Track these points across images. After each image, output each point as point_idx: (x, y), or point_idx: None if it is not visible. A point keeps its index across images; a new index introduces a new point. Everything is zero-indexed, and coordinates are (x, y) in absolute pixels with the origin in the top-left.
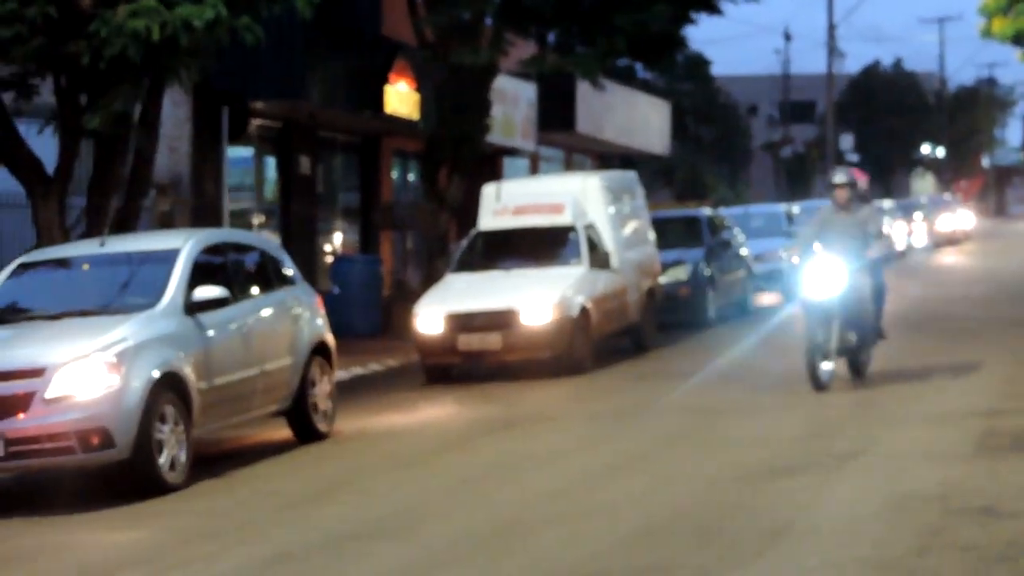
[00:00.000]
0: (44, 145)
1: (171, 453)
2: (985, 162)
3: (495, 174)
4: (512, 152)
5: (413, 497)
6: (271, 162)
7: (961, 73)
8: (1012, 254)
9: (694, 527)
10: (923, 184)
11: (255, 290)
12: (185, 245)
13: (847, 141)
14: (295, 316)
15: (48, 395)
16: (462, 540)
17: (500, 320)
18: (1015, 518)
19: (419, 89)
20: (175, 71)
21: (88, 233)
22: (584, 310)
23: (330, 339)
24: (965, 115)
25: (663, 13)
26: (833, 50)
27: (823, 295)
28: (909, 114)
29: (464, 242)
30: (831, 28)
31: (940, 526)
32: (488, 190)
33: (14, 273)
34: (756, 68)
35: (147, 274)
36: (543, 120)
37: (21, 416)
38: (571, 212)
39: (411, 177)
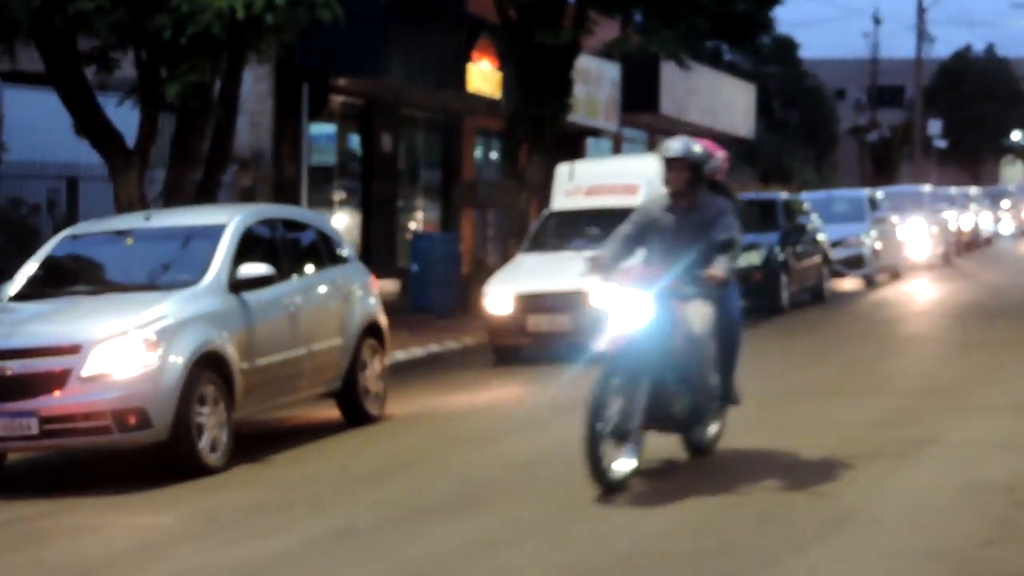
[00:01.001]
0: (125, 119)
1: (211, 435)
2: None
3: (577, 154)
4: (595, 132)
5: (481, 476)
6: (354, 139)
7: None
8: None
9: (758, 512)
10: (1013, 172)
11: (305, 268)
12: (231, 221)
13: (935, 127)
14: (346, 295)
15: (84, 373)
16: (528, 519)
17: (570, 301)
18: None
19: (501, 68)
20: (256, 47)
21: (167, 206)
22: None
23: (383, 320)
24: None
25: None
26: (923, 34)
27: (624, 339)
28: (1000, 101)
29: (536, 222)
30: (921, 12)
31: (1005, 517)
32: (561, 170)
33: (59, 245)
34: (844, 52)
35: (192, 250)
36: (627, 101)
37: (57, 394)
38: (645, 193)
39: (493, 156)
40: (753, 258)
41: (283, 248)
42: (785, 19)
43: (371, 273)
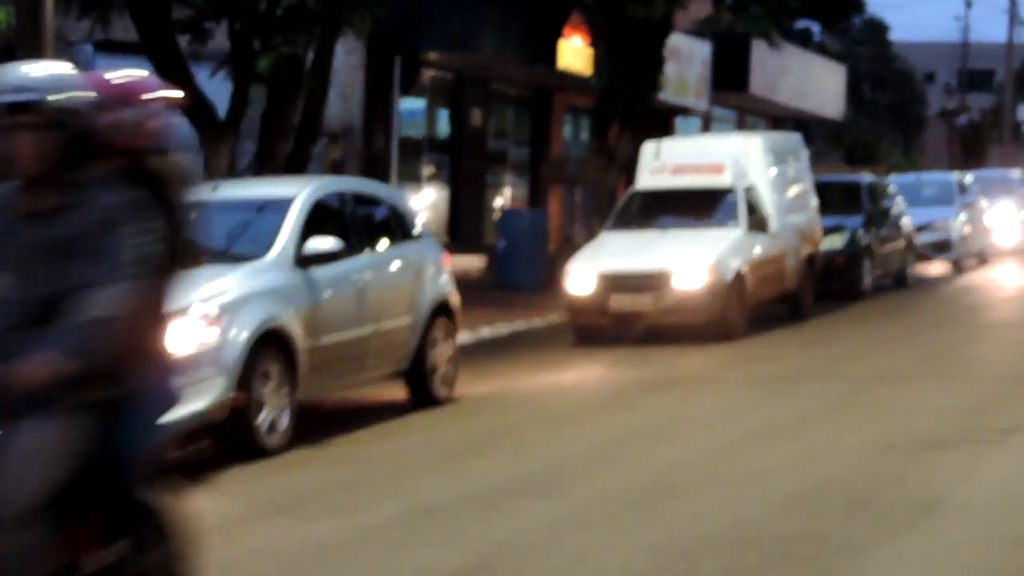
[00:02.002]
0: (217, 90)
1: (272, 415)
2: None
3: (667, 132)
4: (685, 111)
5: (564, 455)
6: (443, 114)
7: None
8: None
9: (845, 497)
10: None
11: (375, 244)
12: (300, 193)
13: None
14: (417, 273)
15: None
16: (612, 500)
17: (652, 282)
18: None
19: (593, 44)
20: (349, 19)
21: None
22: (739, 274)
23: (455, 299)
24: None
25: None
26: (1015, 17)
27: None
28: None
29: (621, 200)
30: None
31: None
32: (647, 148)
33: None
34: (935, 34)
35: (258, 223)
36: (717, 80)
37: None
38: (731, 173)
39: (583, 134)
40: (835, 242)
41: (352, 223)
42: (875, 0)
43: (444, 250)
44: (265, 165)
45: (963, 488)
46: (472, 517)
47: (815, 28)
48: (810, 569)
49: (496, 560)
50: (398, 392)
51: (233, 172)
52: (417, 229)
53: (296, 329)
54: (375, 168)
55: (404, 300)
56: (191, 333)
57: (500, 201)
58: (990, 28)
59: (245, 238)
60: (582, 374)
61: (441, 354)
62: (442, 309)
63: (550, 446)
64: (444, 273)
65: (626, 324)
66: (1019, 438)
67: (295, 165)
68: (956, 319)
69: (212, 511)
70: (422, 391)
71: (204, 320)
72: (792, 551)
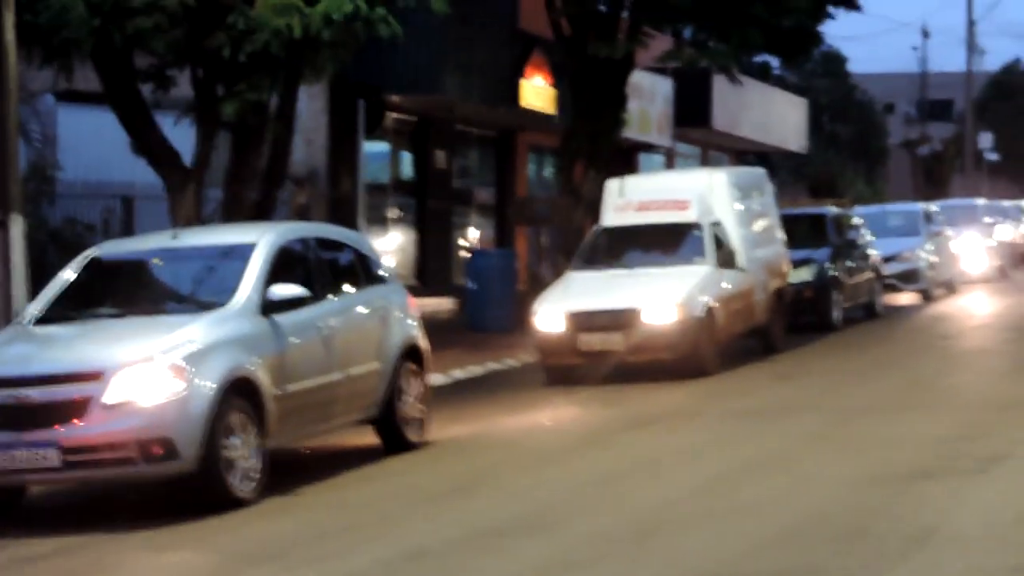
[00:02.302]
0: (182, 138)
1: (243, 465)
2: None
3: (631, 169)
4: (648, 148)
5: (549, 495)
6: (407, 157)
7: None
8: None
9: (837, 530)
10: None
11: (340, 289)
12: (263, 239)
13: (986, 140)
14: (384, 317)
15: (107, 400)
16: (602, 538)
17: (622, 320)
18: None
19: (555, 84)
20: (313, 65)
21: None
22: (709, 310)
23: (423, 342)
24: None
25: (801, 5)
26: (973, 47)
27: None
28: None
29: (586, 239)
30: (971, 24)
31: None
32: (611, 186)
33: (85, 266)
34: (893, 65)
35: (221, 270)
36: (679, 116)
37: (78, 423)
38: (696, 209)
39: (547, 172)
40: (804, 274)
41: (317, 268)
42: (833, 33)
43: (409, 293)
44: (232, 211)
45: (952, 519)
46: (461, 560)
47: (774, 62)
48: None
49: None
50: (371, 438)
51: (199, 219)
52: (383, 272)
53: (263, 377)
54: (341, 212)
55: (371, 345)
56: (158, 384)
57: (463, 242)
58: (948, 58)
59: (208, 286)
60: (558, 413)
61: (411, 399)
62: (411, 353)
63: (533, 487)
64: (411, 316)
65: (597, 363)
66: (1002, 466)
67: (262, 211)
68: (929, 348)
69: (200, 563)
70: (394, 437)
71: (171, 370)
72: None
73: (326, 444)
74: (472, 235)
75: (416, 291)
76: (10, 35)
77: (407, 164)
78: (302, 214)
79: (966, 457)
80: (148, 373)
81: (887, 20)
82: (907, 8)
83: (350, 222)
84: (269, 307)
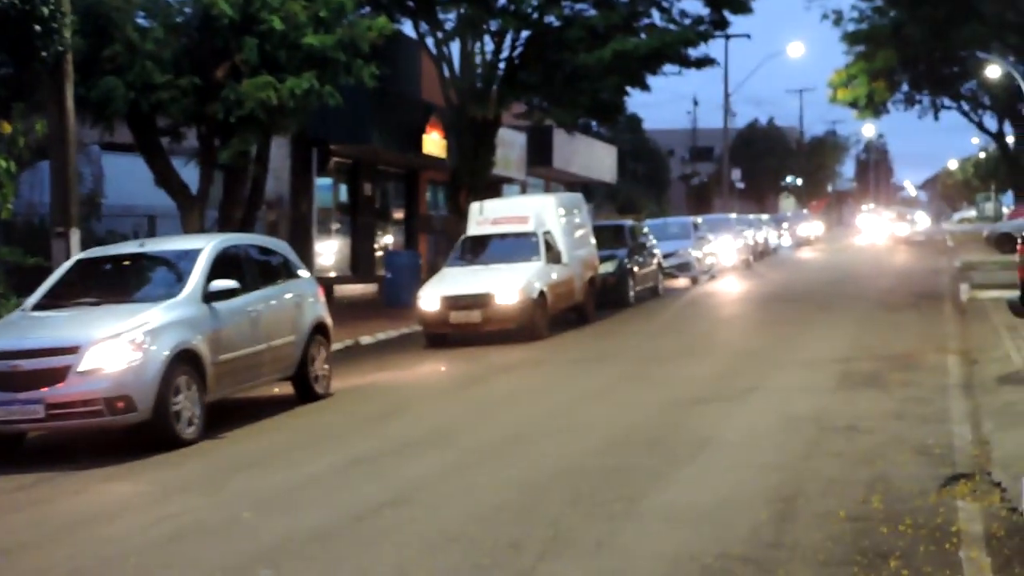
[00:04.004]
0: (189, 175)
1: (187, 414)
2: (829, 188)
3: (497, 195)
4: (509, 181)
5: (445, 419)
6: (344, 188)
7: (814, 127)
8: (849, 251)
9: (645, 439)
10: (787, 203)
11: (267, 283)
12: (207, 246)
13: (736, 174)
14: (299, 303)
15: (81, 368)
16: (485, 446)
17: (480, 301)
18: (870, 433)
19: (446, 137)
20: (282, 124)
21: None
22: (542, 293)
23: (328, 320)
24: (816, 156)
25: (612, 86)
26: (728, 111)
27: None
28: (778, 156)
29: (456, 244)
30: (727, 96)
31: (817, 439)
32: (474, 207)
33: (73, 267)
34: (673, 123)
35: (175, 269)
36: (530, 158)
37: (59, 385)
38: (533, 222)
39: (440, 198)
40: (609, 267)
41: (249, 267)
42: (632, 102)
43: (319, 285)
44: (224, 226)
45: (723, 431)
46: (390, 464)
47: (594, 123)
48: (628, 490)
49: (411, 493)
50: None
51: (204, 231)
52: (300, 270)
53: (204, 349)
54: (300, 226)
55: (289, 323)
56: (121, 355)
57: (385, 245)
58: (711, 118)
59: (165, 281)
60: (446, 363)
61: (319, 362)
62: (319, 329)
63: (435, 412)
64: (320, 302)
65: (462, 331)
66: (754, 394)
67: (245, 226)
68: (699, 316)
69: (142, 491)
70: (306, 389)
71: (131, 345)
72: (614, 478)
73: (253, 396)
74: (388, 240)
75: (350, 279)
76: (70, 103)
77: (344, 193)
78: (272, 228)
79: (729, 389)
80: (114, 347)
81: (669, 92)
82: (683, 84)
83: (306, 233)
84: (210, 296)
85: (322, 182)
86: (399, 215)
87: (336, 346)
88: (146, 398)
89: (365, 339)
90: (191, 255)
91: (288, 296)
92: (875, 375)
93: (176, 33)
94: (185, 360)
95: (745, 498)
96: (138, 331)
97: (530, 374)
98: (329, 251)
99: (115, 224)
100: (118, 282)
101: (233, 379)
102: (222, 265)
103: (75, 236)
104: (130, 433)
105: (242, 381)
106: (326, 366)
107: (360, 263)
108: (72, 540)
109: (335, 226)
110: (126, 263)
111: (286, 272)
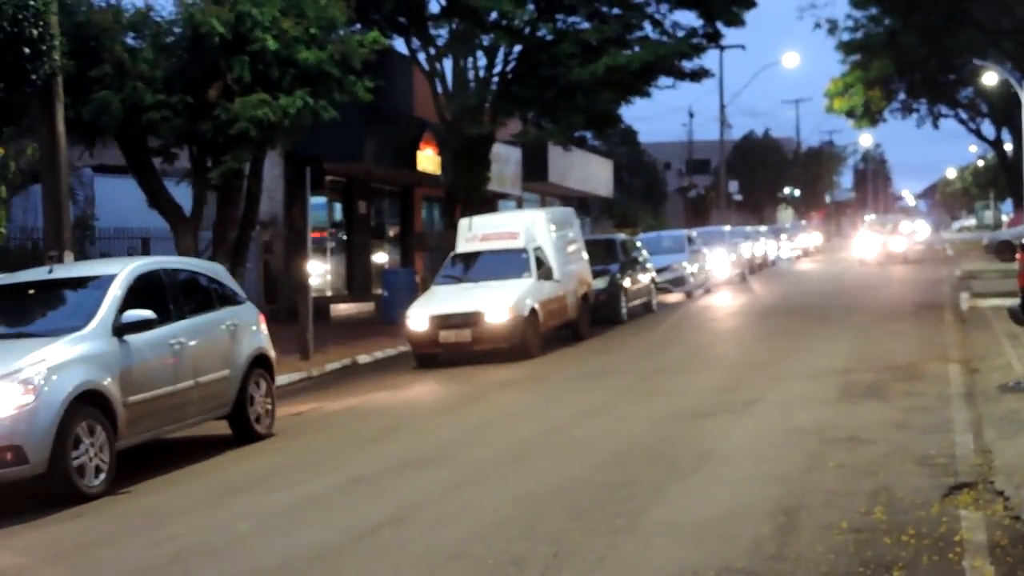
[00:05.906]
0: (182, 195)
1: (93, 465)
2: (827, 199)
3: (493, 211)
4: (504, 196)
5: (445, 437)
6: (339, 206)
7: (811, 137)
8: (847, 263)
9: (645, 454)
10: (785, 215)
11: (194, 311)
12: (121, 272)
13: (733, 186)
14: (233, 333)
15: None
16: (485, 464)
17: (470, 319)
18: (872, 444)
19: (440, 153)
20: (275, 142)
21: (213, 257)
22: (533, 310)
23: (270, 352)
24: (813, 166)
25: (608, 98)
26: (724, 123)
27: None
28: (774, 167)
29: (446, 261)
30: (722, 108)
31: (819, 451)
32: (463, 223)
33: None
34: (670, 136)
35: (83, 298)
36: (525, 174)
37: None
38: (524, 238)
39: (435, 215)
40: (600, 283)
41: (172, 294)
42: (628, 115)
43: (260, 312)
44: (218, 247)
45: (724, 444)
46: (389, 483)
47: (590, 136)
48: (629, 505)
49: (408, 512)
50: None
51: (197, 253)
52: (238, 296)
53: (113, 389)
54: (295, 246)
55: (222, 356)
56: (9, 399)
57: (381, 263)
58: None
59: (71, 311)
60: (438, 383)
61: (259, 399)
62: (259, 361)
63: (435, 431)
64: (261, 331)
65: (453, 351)
66: (756, 407)
67: (239, 247)
68: (695, 330)
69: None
70: (244, 429)
71: (21, 387)
72: (615, 493)
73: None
74: (384, 258)
75: (345, 298)
76: (60, 126)
77: (339, 211)
78: (267, 248)
79: (731, 402)
80: (2, 389)
81: (665, 106)
82: (678, 97)
83: (301, 252)
84: (122, 329)
85: (316, 201)
86: (394, 232)
87: (334, 366)
88: (40, 448)
89: (363, 358)
90: (103, 282)
91: (222, 327)
92: (876, 386)
93: (166, 53)
94: (89, 402)
95: (747, 511)
96: (32, 370)
97: (527, 391)
98: (324, 270)
99: (109, 247)
100: (18, 314)
101: (153, 421)
102: (140, 292)
103: (69, 259)
104: (28, 486)
105: (164, 423)
106: (268, 403)
107: (356, 281)
108: None
109: (330, 245)
110: (31, 292)
111: (220, 299)
